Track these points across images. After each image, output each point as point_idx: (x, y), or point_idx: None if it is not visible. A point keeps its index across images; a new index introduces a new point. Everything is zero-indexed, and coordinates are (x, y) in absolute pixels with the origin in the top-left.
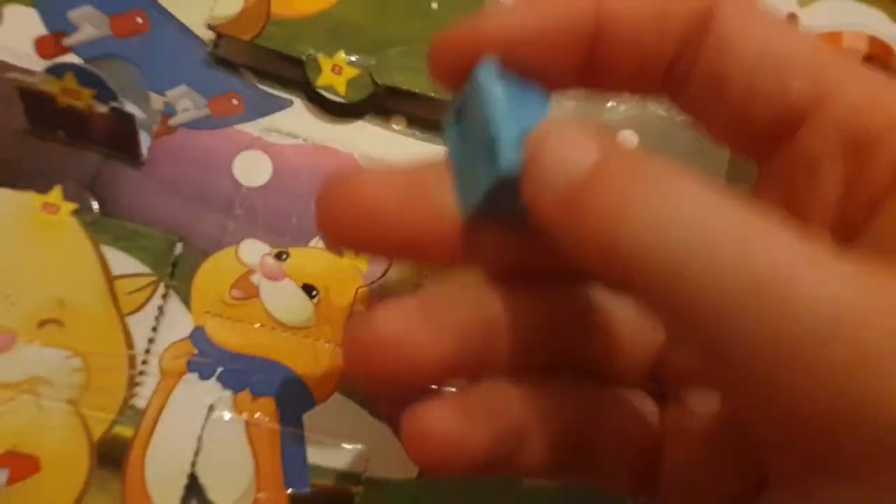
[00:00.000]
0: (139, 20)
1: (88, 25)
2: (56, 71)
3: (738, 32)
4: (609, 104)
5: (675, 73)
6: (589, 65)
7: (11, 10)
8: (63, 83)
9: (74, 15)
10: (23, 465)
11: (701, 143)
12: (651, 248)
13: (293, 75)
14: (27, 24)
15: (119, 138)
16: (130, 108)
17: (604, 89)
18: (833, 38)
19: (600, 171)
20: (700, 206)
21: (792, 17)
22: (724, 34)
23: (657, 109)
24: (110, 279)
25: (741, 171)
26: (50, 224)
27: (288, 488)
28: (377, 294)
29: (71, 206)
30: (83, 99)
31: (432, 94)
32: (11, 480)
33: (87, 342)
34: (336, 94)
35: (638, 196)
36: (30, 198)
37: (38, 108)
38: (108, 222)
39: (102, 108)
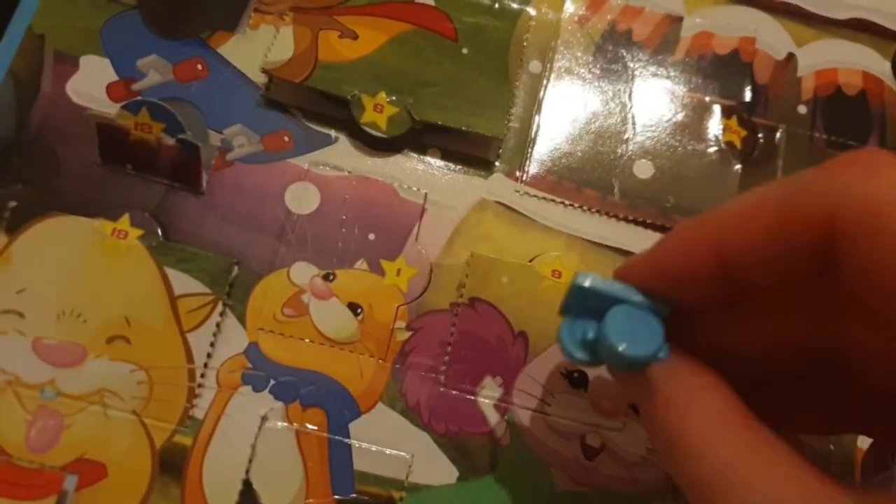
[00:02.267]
0: (199, 67)
1: (154, 72)
2: (132, 107)
3: (884, 216)
4: (625, 136)
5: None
6: (732, 285)
7: (87, 60)
8: (137, 118)
9: (142, 63)
10: (91, 472)
11: (711, 169)
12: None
13: (338, 114)
14: (100, 72)
15: (183, 168)
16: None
17: (751, 301)
18: (829, 74)
19: None
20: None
21: (791, 57)
22: (873, 223)
23: (670, 139)
24: (173, 298)
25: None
26: (119, 248)
27: (335, 493)
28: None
29: (138, 231)
30: (154, 132)
31: (464, 129)
32: (81, 486)
33: (150, 357)
34: (378, 129)
35: None
36: (101, 225)
37: (112, 141)
38: (170, 246)
39: (170, 141)
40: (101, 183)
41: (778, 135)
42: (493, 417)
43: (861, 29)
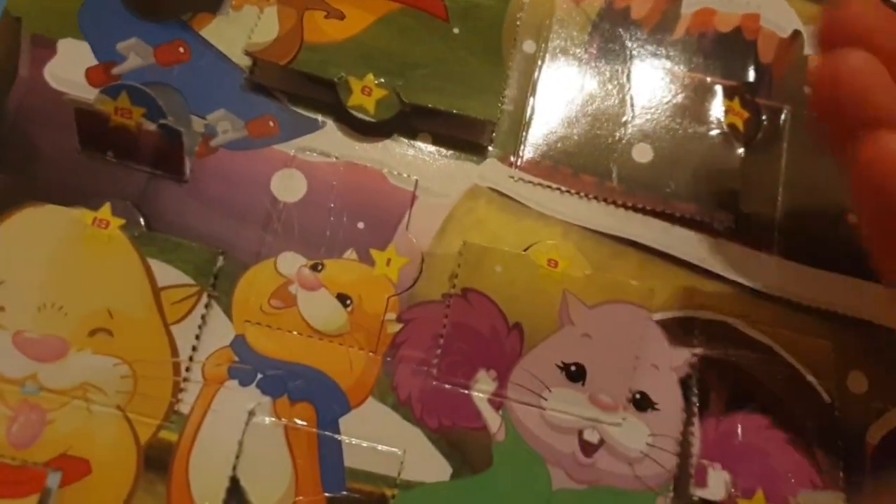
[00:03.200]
0: (181, 50)
1: (135, 55)
2: (111, 92)
3: None
4: (623, 119)
5: None
6: None
7: (65, 44)
8: (117, 102)
9: (122, 46)
10: (75, 468)
11: (712, 152)
12: None
13: (325, 98)
14: (79, 56)
15: (165, 155)
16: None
17: None
18: None
19: None
20: None
21: (797, 35)
22: None
23: (670, 122)
24: (156, 290)
25: (754, 180)
26: (100, 238)
27: (325, 491)
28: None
29: (119, 221)
30: (134, 117)
31: (455, 112)
32: (64, 482)
33: (134, 350)
34: (366, 113)
35: None
36: (81, 214)
37: (91, 128)
38: (153, 236)
39: (151, 127)
40: (81, 171)
41: (783, 116)
42: (487, 412)
43: None
